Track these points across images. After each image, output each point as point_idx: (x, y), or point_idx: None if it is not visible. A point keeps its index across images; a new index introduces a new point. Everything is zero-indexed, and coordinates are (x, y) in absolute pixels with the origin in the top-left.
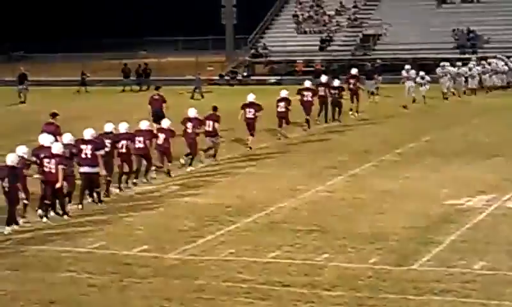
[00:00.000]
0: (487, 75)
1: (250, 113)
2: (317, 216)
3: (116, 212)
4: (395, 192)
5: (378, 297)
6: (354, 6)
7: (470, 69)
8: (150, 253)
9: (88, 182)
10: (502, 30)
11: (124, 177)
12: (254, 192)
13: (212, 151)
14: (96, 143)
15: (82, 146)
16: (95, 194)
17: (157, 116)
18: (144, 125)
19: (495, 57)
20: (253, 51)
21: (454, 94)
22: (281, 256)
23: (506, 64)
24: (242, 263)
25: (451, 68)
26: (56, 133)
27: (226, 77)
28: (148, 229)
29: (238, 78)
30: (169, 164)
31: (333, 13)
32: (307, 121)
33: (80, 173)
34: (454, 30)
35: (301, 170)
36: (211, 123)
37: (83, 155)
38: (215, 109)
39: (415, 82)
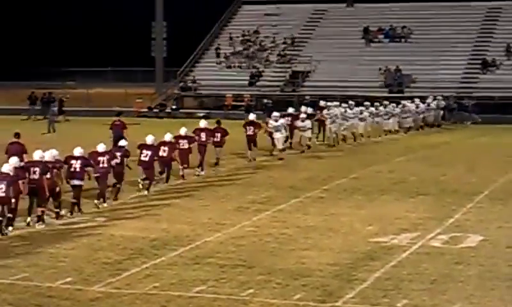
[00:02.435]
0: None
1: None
2: (243, 251)
3: (40, 242)
4: (321, 228)
5: None
6: (284, 42)
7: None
8: (74, 285)
9: (78, 193)
10: (429, 69)
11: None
12: (180, 225)
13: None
14: (86, 159)
15: (72, 161)
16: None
17: (118, 140)
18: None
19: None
20: (182, 84)
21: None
22: (206, 290)
23: (417, 106)
24: (166, 297)
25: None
26: (23, 151)
27: (155, 110)
28: (72, 260)
29: (167, 110)
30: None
31: (262, 49)
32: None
33: (72, 186)
34: (380, 68)
35: (228, 204)
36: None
37: (72, 169)
38: (218, 122)
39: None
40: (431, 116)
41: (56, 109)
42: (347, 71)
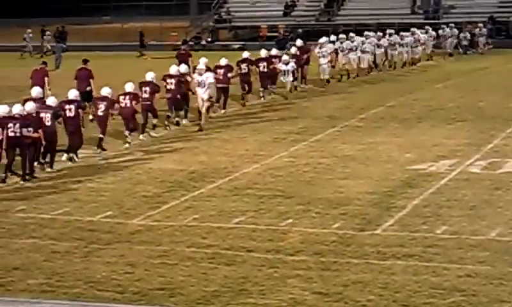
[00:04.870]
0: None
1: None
2: (281, 181)
3: (80, 177)
4: (358, 157)
5: (341, 261)
6: None
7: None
8: (114, 219)
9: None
10: None
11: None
12: (218, 157)
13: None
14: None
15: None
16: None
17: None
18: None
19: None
20: (216, 16)
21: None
22: (245, 221)
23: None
24: (206, 229)
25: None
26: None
27: (190, 43)
28: (112, 195)
29: (202, 43)
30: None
31: None
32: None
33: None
34: None
35: (265, 136)
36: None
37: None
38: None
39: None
40: (447, 43)
41: (64, 45)
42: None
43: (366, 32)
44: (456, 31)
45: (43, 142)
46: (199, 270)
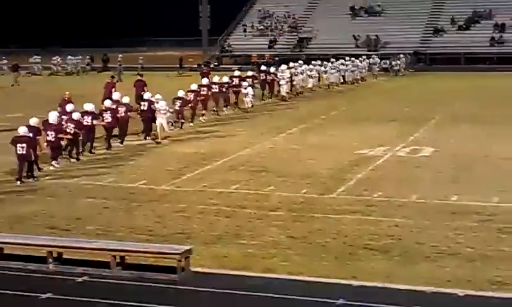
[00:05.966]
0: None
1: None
2: (265, 161)
3: (124, 157)
4: (320, 145)
5: (307, 215)
6: (293, 17)
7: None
8: (148, 185)
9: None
10: (396, 35)
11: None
12: (221, 144)
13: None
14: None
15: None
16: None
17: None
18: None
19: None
20: (221, 48)
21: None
22: (240, 188)
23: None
24: (212, 193)
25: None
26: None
27: (202, 66)
28: (146, 169)
29: (211, 66)
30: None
31: (278, 22)
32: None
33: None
34: (359, 35)
35: (253, 130)
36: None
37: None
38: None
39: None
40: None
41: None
42: (338, 37)
43: (332, 59)
44: (377, 59)
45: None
46: (207, 220)
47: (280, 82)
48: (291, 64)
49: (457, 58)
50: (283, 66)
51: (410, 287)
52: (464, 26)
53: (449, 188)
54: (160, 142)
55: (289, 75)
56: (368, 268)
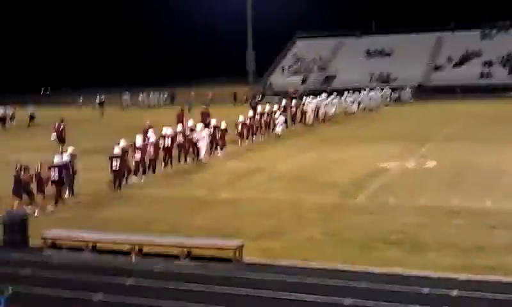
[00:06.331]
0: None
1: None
2: (300, 173)
3: (189, 172)
4: (343, 160)
5: (335, 216)
6: (320, 59)
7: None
8: (208, 194)
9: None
10: (403, 72)
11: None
12: (263, 161)
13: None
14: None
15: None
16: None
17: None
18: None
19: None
20: (264, 85)
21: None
22: (280, 194)
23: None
24: (259, 199)
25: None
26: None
27: (251, 100)
28: (206, 180)
29: (256, 100)
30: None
31: (309, 64)
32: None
33: None
34: (373, 73)
35: (290, 148)
36: None
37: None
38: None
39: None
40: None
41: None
42: (357, 75)
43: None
44: (389, 91)
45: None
46: (255, 220)
47: (307, 111)
48: (318, 96)
49: (453, 89)
50: (309, 98)
51: (419, 272)
52: (458, 63)
53: (449, 194)
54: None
55: (314, 106)
56: (386, 258)
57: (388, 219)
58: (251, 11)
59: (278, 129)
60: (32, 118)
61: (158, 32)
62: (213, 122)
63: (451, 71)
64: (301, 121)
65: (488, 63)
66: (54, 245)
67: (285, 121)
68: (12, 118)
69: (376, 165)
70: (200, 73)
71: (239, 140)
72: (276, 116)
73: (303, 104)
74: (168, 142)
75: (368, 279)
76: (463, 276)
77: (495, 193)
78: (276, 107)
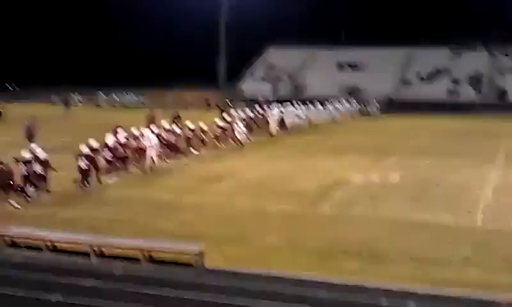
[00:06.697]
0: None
1: None
2: (265, 180)
3: (154, 175)
4: (308, 169)
5: (298, 225)
6: (291, 68)
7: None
8: (173, 197)
9: None
10: (373, 85)
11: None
12: (230, 166)
13: None
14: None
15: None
16: None
17: None
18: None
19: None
20: (234, 91)
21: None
22: (244, 201)
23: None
24: (222, 205)
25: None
26: None
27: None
28: (172, 185)
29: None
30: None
31: (279, 72)
32: None
33: None
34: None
35: (257, 155)
36: None
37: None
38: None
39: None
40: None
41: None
42: (327, 86)
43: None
44: (355, 104)
45: None
46: (218, 226)
47: (269, 121)
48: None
49: (421, 104)
50: (275, 107)
51: (378, 284)
52: (427, 79)
53: (412, 207)
54: None
55: (278, 115)
56: (345, 268)
57: (350, 229)
58: (224, 17)
59: (240, 137)
60: None
61: (131, 34)
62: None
63: (420, 86)
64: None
65: (456, 81)
66: (14, 244)
67: (247, 130)
68: None
69: (341, 176)
70: (169, 77)
71: (203, 146)
72: (239, 123)
73: (269, 113)
74: (142, 142)
75: (327, 288)
76: (421, 288)
77: (457, 208)
78: (240, 114)
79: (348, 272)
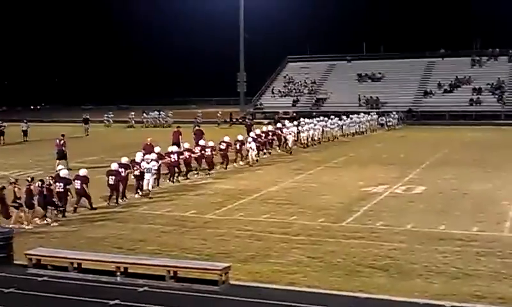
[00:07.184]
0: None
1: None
2: (289, 196)
3: (176, 192)
4: (333, 183)
5: (322, 240)
6: (312, 82)
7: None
8: (195, 214)
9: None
10: (394, 97)
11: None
12: (254, 182)
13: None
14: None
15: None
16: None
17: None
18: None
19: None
20: (254, 106)
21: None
22: (268, 217)
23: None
24: (247, 221)
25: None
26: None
27: (240, 120)
28: (194, 201)
29: (246, 120)
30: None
31: (299, 86)
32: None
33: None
34: (364, 96)
35: (281, 170)
36: None
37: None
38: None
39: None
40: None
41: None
42: (347, 98)
43: (332, 116)
44: (375, 116)
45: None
46: (242, 243)
47: (287, 137)
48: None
49: (442, 115)
50: (288, 123)
51: (406, 299)
52: (448, 89)
53: (437, 219)
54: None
55: (296, 130)
56: (372, 283)
57: (375, 243)
58: (243, 32)
59: (252, 154)
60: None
61: (154, 53)
62: (210, 143)
63: (441, 97)
64: (282, 145)
65: (478, 90)
66: (39, 263)
67: (258, 148)
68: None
69: (364, 189)
70: (192, 93)
71: (225, 162)
72: (249, 140)
73: (286, 128)
74: (175, 157)
75: (355, 304)
76: (449, 303)
77: (483, 220)
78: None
79: (375, 288)
